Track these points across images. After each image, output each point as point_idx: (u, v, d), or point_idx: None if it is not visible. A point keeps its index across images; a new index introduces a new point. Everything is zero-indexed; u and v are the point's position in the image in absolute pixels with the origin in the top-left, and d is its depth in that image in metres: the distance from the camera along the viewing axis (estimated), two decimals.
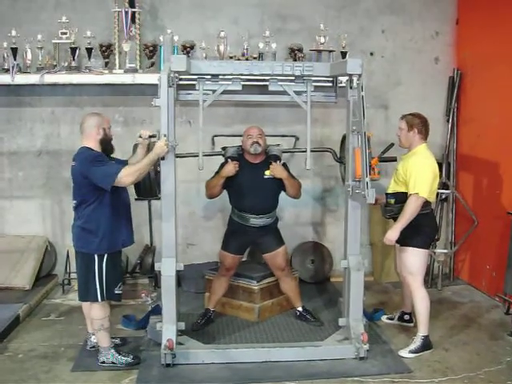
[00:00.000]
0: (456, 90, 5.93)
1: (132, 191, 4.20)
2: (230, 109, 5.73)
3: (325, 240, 6.08)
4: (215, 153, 4.96)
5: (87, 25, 5.41)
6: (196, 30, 5.65)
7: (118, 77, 5.37)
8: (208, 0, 5.75)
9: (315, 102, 4.37)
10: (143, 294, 5.08)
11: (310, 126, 4.21)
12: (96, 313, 3.89)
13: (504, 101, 5.15)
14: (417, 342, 4.17)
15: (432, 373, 3.88)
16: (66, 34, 5.29)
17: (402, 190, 4.15)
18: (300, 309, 4.72)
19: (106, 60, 5.47)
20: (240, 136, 4.59)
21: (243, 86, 4.26)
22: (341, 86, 4.43)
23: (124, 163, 3.88)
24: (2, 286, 5.30)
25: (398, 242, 4.14)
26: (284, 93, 4.28)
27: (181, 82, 4.22)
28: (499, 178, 5.22)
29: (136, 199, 4.81)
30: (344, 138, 4.53)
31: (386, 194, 4.28)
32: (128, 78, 5.34)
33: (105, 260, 3.79)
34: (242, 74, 4.15)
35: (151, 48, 5.47)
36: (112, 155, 3.94)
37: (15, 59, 5.22)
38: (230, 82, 4.23)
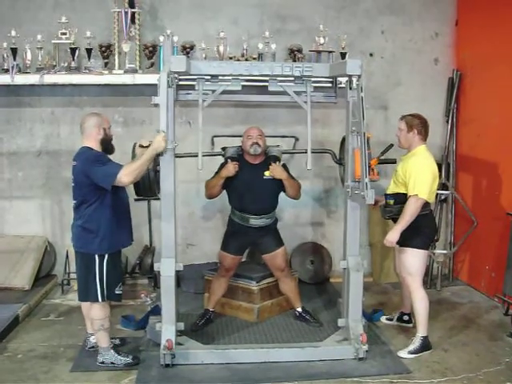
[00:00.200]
0: (455, 91, 5.93)
1: (132, 191, 4.20)
2: (230, 109, 5.73)
3: (324, 241, 6.08)
4: (215, 153, 4.96)
5: (87, 25, 5.42)
6: (196, 31, 5.66)
7: (118, 77, 5.37)
8: (208, 0, 5.76)
9: (315, 103, 4.36)
10: (142, 295, 5.08)
11: (310, 125, 4.21)
12: (96, 313, 3.89)
13: (503, 101, 5.16)
14: (416, 342, 4.17)
15: (431, 373, 3.88)
16: (65, 34, 5.30)
17: (402, 191, 4.16)
18: (299, 309, 4.72)
19: (106, 60, 5.47)
20: (240, 136, 4.59)
21: (243, 86, 4.25)
22: (340, 87, 4.44)
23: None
24: (2, 286, 5.30)
25: (397, 242, 4.13)
26: (284, 93, 4.28)
27: (180, 83, 4.22)
28: (499, 178, 5.22)
29: (136, 199, 4.82)
30: (344, 140, 4.53)
31: (386, 195, 4.28)
32: (128, 79, 5.35)
33: (105, 260, 3.79)
34: (241, 75, 4.15)
35: (151, 48, 5.48)
36: (111, 156, 3.94)
37: (15, 59, 5.23)
38: (230, 83, 4.23)
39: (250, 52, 5.54)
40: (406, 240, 4.13)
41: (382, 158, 4.52)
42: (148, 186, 4.13)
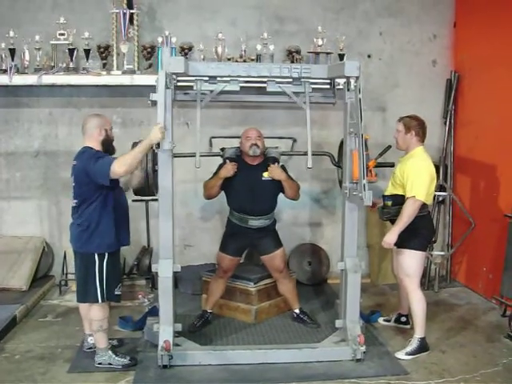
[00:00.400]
0: (453, 93, 5.94)
1: (130, 192, 4.21)
2: (228, 111, 5.73)
3: (322, 242, 6.08)
4: (213, 153, 4.96)
5: (85, 26, 5.42)
6: (194, 32, 5.66)
7: (116, 78, 5.36)
8: (206, 2, 5.76)
9: (313, 104, 4.36)
10: (140, 296, 5.10)
11: (309, 123, 4.21)
12: (95, 314, 3.89)
13: (501, 103, 5.17)
14: (413, 343, 4.18)
15: (428, 375, 3.89)
16: (63, 35, 5.29)
17: (400, 192, 4.16)
18: (297, 311, 4.72)
19: (104, 61, 5.47)
20: (238, 138, 4.60)
21: (241, 87, 4.26)
22: (338, 88, 4.44)
23: None
24: None
25: (395, 244, 4.14)
26: (282, 93, 4.29)
27: (179, 84, 4.23)
28: (496, 180, 5.23)
29: (133, 201, 4.82)
30: (342, 143, 4.53)
31: (384, 197, 4.29)
32: (126, 80, 5.34)
33: (105, 260, 3.79)
34: (239, 76, 4.16)
35: (149, 49, 5.47)
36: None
37: (13, 60, 5.22)
38: (228, 83, 4.23)
39: (249, 53, 5.54)
40: (403, 241, 4.14)
41: (380, 161, 4.53)
42: (146, 186, 4.13)
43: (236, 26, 5.77)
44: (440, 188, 5.70)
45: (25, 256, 5.55)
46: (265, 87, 4.29)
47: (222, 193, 4.54)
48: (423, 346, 4.19)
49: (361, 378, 3.83)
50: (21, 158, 5.77)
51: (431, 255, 5.71)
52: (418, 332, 4.19)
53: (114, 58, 5.45)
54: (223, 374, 3.88)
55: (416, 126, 4.20)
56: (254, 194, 4.42)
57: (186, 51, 5.50)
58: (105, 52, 5.44)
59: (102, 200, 3.75)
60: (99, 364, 3.93)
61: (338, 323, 4.30)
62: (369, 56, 6.00)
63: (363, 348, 3.98)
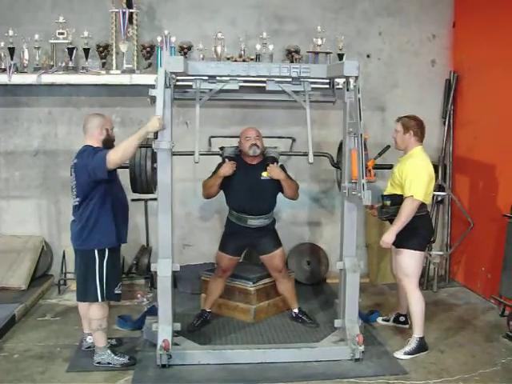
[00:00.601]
0: (452, 93, 5.95)
1: (129, 191, 4.21)
2: (227, 110, 5.74)
3: (321, 241, 6.09)
4: (213, 152, 4.96)
5: (84, 25, 5.42)
6: (193, 31, 5.66)
7: (115, 77, 5.36)
8: (205, 1, 5.76)
9: (313, 103, 4.36)
10: (139, 295, 5.09)
11: (309, 121, 4.21)
12: (95, 313, 3.89)
13: (500, 103, 5.17)
14: (412, 343, 4.18)
15: (427, 374, 3.89)
16: (63, 34, 5.29)
17: (399, 192, 4.16)
18: (296, 310, 4.72)
19: (103, 60, 5.47)
20: (237, 137, 4.59)
21: (240, 87, 4.26)
22: (338, 88, 4.44)
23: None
24: None
25: (393, 243, 4.14)
26: (282, 92, 4.29)
27: (178, 83, 4.22)
28: (495, 180, 5.24)
29: (133, 200, 4.82)
30: (341, 144, 4.53)
31: (382, 196, 4.29)
32: (125, 79, 5.34)
33: (106, 258, 3.80)
34: (239, 76, 4.16)
35: (148, 49, 5.48)
36: None
37: (12, 59, 5.22)
38: (227, 82, 4.23)
39: (248, 53, 5.54)
40: (402, 241, 4.14)
41: (379, 160, 4.53)
42: (145, 183, 4.13)
43: (235, 26, 5.77)
44: (439, 188, 5.71)
45: (24, 255, 5.55)
46: (264, 87, 4.30)
47: (221, 192, 4.54)
48: (422, 346, 4.19)
49: (359, 377, 3.83)
50: (20, 157, 5.77)
51: (430, 255, 5.72)
52: (417, 332, 4.19)
53: (114, 57, 5.45)
54: (222, 373, 3.88)
55: (414, 125, 4.20)
56: (253, 193, 4.42)
57: (185, 51, 5.50)
58: (104, 51, 5.44)
59: (102, 197, 3.75)
60: (98, 363, 3.93)
61: (337, 323, 4.30)
62: (368, 56, 6.01)
63: (362, 348, 3.98)
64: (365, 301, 5.09)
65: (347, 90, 4.01)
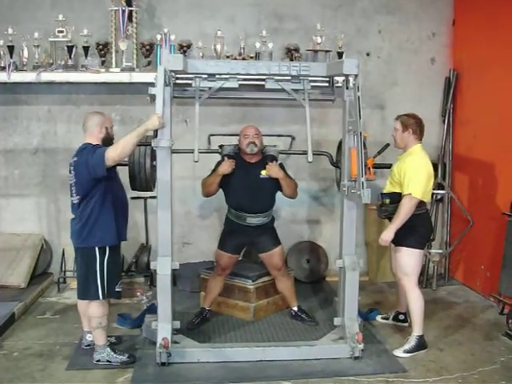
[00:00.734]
0: (452, 91, 5.94)
1: (129, 190, 4.21)
2: (227, 108, 5.73)
3: (320, 240, 6.09)
4: (212, 150, 4.96)
5: (84, 23, 5.41)
6: (193, 29, 5.65)
7: (115, 75, 5.36)
8: None
9: (312, 101, 4.36)
10: (139, 293, 5.09)
11: (309, 119, 4.21)
12: (95, 311, 3.89)
13: (500, 102, 5.17)
14: (411, 341, 4.18)
15: (426, 372, 3.89)
16: (62, 32, 5.28)
17: (398, 190, 4.16)
18: (295, 308, 4.73)
19: (103, 58, 5.47)
20: (236, 135, 4.59)
21: (240, 85, 4.27)
22: (337, 86, 4.44)
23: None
24: None
25: (392, 242, 4.15)
26: (281, 90, 4.29)
27: (177, 82, 4.22)
28: (494, 178, 5.24)
29: (132, 198, 4.82)
30: (341, 143, 4.53)
31: (381, 194, 4.28)
32: (125, 77, 5.34)
33: (106, 255, 3.80)
34: (238, 74, 4.16)
35: (148, 47, 5.47)
36: None
37: (12, 57, 5.21)
38: (227, 81, 4.23)
39: (247, 51, 5.54)
40: (401, 239, 4.14)
41: (379, 159, 4.53)
42: (144, 181, 4.13)
43: (235, 24, 5.76)
44: (438, 186, 5.70)
45: (23, 253, 5.55)
46: (263, 85, 4.30)
47: (221, 190, 4.54)
48: (421, 344, 4.19)
49: (359, 375, 3.83)
50: (19, 156, 5.77)
51: (429, 253, 5.72)
52: (416, 330, 4.20)
53: (113, 55, 5.45)
54: (221, 371, 3.88)
55: (413, 124, 4.20)
56: (252, 191, 4.42)
57: (184, 49, 5.50)
58: (104, 49, 5.44)
59: (102, 194, 3.75)
60: (97, 361, 3.93)
61: (337, 321, 4.31)
62: (367, 54, 6.00)
63: (361, 346, 3.99)
64: (364, 299, 5.10)
65: (347, 88, 4.02)
